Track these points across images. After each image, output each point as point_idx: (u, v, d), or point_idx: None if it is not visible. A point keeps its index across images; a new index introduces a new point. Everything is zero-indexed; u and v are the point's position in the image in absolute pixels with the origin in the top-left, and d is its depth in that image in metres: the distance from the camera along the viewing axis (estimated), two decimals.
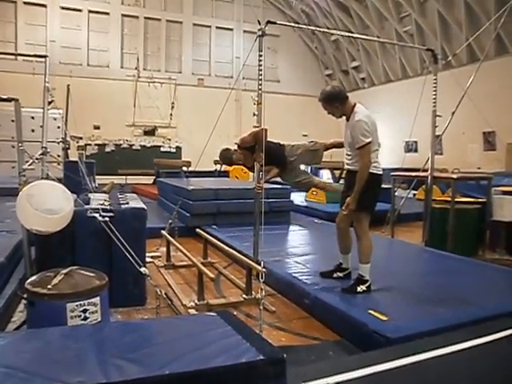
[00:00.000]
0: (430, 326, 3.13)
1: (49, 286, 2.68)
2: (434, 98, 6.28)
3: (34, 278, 2.91)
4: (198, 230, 6.06)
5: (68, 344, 2.07)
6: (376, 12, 18.19)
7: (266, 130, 4.33)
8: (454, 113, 6.66)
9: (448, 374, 2.52)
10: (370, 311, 3.37)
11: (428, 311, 3.49)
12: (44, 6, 18.51)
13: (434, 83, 6.27)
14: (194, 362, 1.91)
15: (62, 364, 1.88)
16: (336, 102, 3.87)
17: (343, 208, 3.94)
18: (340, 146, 4.48)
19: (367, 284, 3.90)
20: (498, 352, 2.81)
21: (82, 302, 2.67)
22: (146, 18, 20.34)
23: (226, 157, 4.81)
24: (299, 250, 5.87)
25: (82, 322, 2.65)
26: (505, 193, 6.27)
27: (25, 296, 2.76)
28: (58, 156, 9.25)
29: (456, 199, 6.10)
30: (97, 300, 2.75)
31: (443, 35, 15.73)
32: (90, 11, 19.27)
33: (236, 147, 4.71)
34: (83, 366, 1.84)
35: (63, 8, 18.79)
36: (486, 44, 12.17)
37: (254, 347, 2.03)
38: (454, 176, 6.50)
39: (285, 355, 2.01)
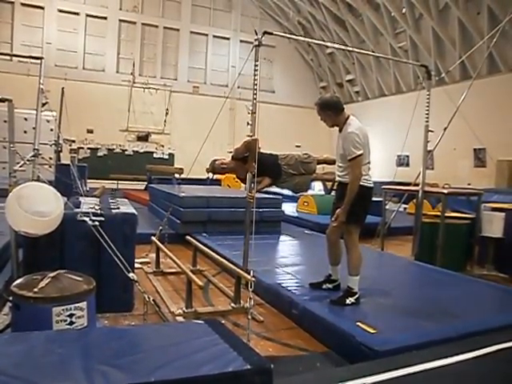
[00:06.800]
0: (418, 340, 3.13)
1: (35, 290, 2.65)
2: (427, 114, 6.35)
3: (20, 280, 2.87)
4: (188, 237, 6.03)
5: (53, 349, 2.04)
6: (372, 27, 18.42)
7: (257, 140, 4.34)
8: (445, 129, 6.74)
9: None
10: (358, 323, 3.36)
11: (416, 325, 3.50)
12: (41, 7, 18.51)
13: (427, 99, 6.34)
14: (181, 369, 1.90)
15: (45, 369, 1.85)
16: (330, 111, 3.91)
17: (333, 219, 3.96)
18: (331, 163, 4.53)
19: (356, 296, 3.90)
20: (485, 368, 2.82)
21: (68, 307, 2.64)
22: (143, 24, 20.41)
23: (210, 164, 4.81)
24: (289, 260, 5.87)
25: (68, 326, 2.62)
26: (494, 209, 6.32)
27: (10, 299, 2.71)
28: (50, 158, 9.20)
29: (446, 214, 6.14)
30: (83, 305, 2.72)
31: (437, 52, 15.97)
32: (87, 15, 19.29)
33: (230, 158, 4.72)
34: (67, 372, 1.82)
35: (61, 11, 18.80)
36: (479, 62, 12.37)
37: (241, 356, 2.02)
38: (445, 191, 6.55)
39: (272, 365, 2.00)
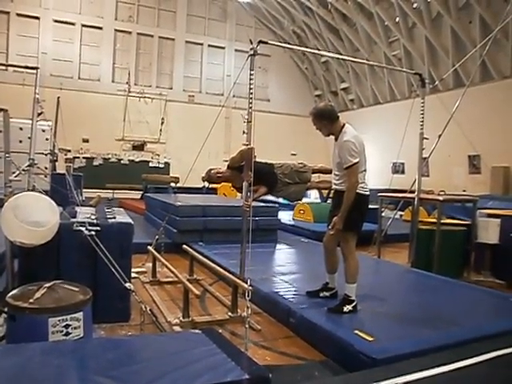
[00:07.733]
0: (416, 347, 3.12)
1: (31, 300, 2.63)
2: (422, 121, 6.39)
3: (15, 291, 2.85)
4: (184, 246, 6.01)
5: (49, 360, 2.02)
6: (366, 36, 18.59)
7: (252, 149, 4.35)
8: (440, 136, 6.77)
9: None
10: (356, 331, 3.35)
11: (414, 332, 3.49)
12: (37, 18, 18.57)
13: (422, 106, 6.38)
14: (178, 380, 1.88)
15: (41, 381, 1.83)
16: (325, 120, 3.94)
17: (330, 227, 3.96)
18: (326, 172, 4.55)
19: (353, 304, 3.89)
20: (482, 375, 2.81)
21: (64, 317, 2.62)
22: (138, 33, 20.50)
23: (206, 174, 4.82)
24: (286, 268, 5.86)
25: (64, 337, 2.60)
26: (489, 215, 6.35)
27: (5, 310, 2.69)
28: (46, 168, 9.16)
29: (442, 221, 6.16)
30: (80, 315, 2.70)
31: (430, 60, 16.13)
32: (83, 25, 19.37)
33: (226, 167, 4.72)
34: None
35: (56, 21, 18.86)
36: (472, 70, 12.48)
37: (240, 366, 2.01)
38: (440, 198, 6.57)
39: (270, 375, 1.99)
